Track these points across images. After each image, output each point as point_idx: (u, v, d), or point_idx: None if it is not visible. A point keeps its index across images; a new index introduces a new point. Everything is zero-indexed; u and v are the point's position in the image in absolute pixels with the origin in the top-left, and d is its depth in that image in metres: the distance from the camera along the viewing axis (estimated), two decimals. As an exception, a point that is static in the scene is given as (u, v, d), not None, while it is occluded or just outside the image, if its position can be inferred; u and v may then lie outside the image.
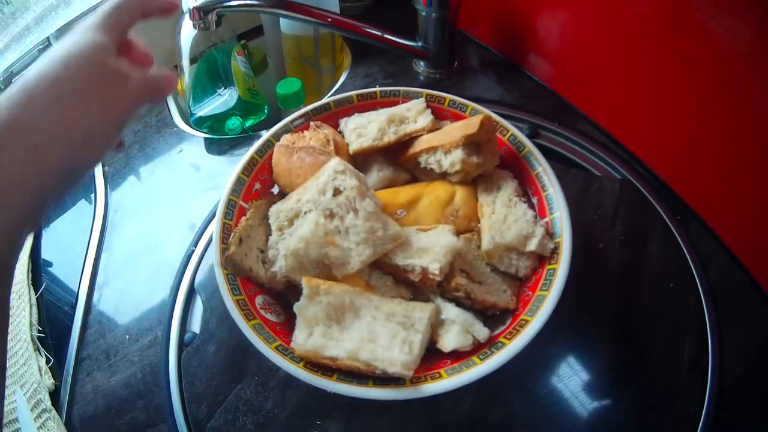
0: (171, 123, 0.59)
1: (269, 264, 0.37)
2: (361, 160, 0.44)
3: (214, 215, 0.50)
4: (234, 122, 0.54)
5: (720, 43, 0.40)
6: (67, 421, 0.42)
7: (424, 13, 0.53)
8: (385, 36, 0.54)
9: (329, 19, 0.52)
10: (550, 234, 0.38)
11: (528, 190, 0.42)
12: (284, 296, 0.39)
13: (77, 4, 0.59)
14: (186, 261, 0.48)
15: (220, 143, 0.56)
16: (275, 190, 0.45)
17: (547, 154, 0.53)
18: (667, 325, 0.43)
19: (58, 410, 0.42)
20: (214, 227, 0.39)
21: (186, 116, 0.60)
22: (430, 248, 0.35)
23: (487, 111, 0.45)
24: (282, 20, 0.58)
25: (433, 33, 0.54)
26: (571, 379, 0.40)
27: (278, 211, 0.38)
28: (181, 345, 0.44)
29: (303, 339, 0.32)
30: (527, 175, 0.42)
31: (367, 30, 0.53)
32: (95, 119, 0.26)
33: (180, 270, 0.47)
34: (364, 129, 0.43)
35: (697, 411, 0.38)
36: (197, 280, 0.47)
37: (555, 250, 0.37)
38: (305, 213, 0.36)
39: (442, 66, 0.58)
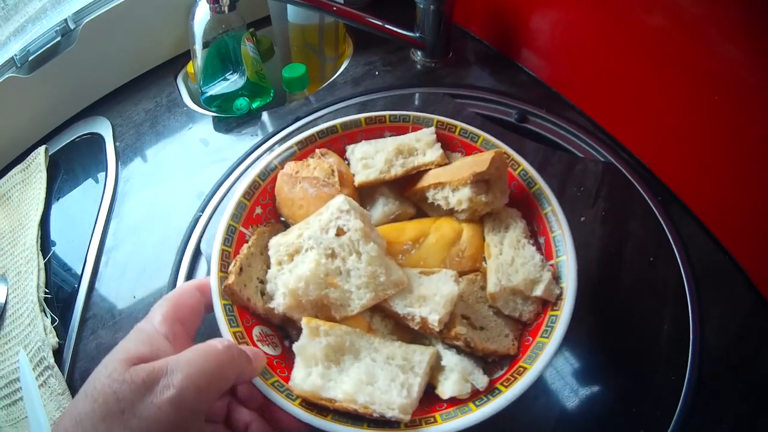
0: (181, 103, 0.62)
1: (267, 297, 0.36)
2: (366, 191, 0.43)
3: (221, 184, 0.54)
4: (242, 102, 0.57)
5: (698, 31, 0.42)
6: (69, 378, 0.43)
7: (422, 6, 0.57)
8: (385, 26, 0.58)
9: (334, 8, 0.56)
10: (555, 278, 0.38)
11: (536, 228, 0.41)
12: (282, 328, 0.38)
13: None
14: (193, 225, 0.50)
15: (227, 121, 0.59)
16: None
17: (535, 137, 0.57)
18: (647, 297, 0.45)
19: (61, 368, 0.44)
20: (214, 252, 0.37)
21: (195, 98, 0.63)
22: (431, 297, 0.34)
23: (500, 144, 0.44)
24: (289, 9, 0.62)
25: (429, 25, 0.58)
26: (558, 352, 0.40)
27: (278, 245, 0.36)
28: (185, 303, 0.46)
29: (301, 379, 0.32)
30: (536, 213, 0.41)
31: (369, 19, 0.57)
32: None
33: (187, 233, 0.50)
34: (371, 159, 0.42)
35: (679, 382, 0.40)
36: (203, 243, 0.49)
37: (559, 296, 0.37)
38: (306, 250, 0.35)
39: (438, 56, 0.62)
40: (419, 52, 0.63)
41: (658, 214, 0.51)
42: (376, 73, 0.62)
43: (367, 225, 0.36)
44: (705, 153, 0.47)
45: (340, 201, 0.36)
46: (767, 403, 0.40)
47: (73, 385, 0.43)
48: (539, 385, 0.39)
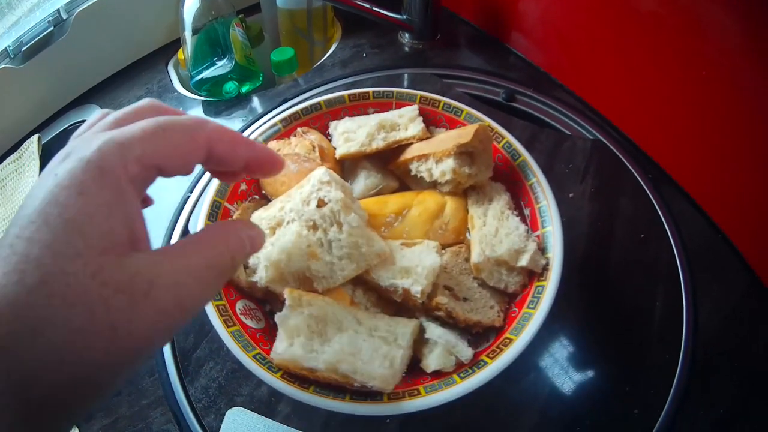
0: (172, 89, 0.62)
1: (250, 271, 0.36)
2: (348, 166, 0.43)
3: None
4: (230, 86, 0.57)
5: (687, 7, 0.42)
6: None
7: (409, -12, 0.57)
8: (373, 8, 0.58)
9: (322, -8, 0.56)
10: (541, 249, 0.37)
11: (521, 201, 0.41)
12: (265, 302, 0.38)
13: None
14: (182, 206, 0.50)
15: (217, 105, 0.59)
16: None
17: (522, 116, 0.57)
18: (638, 275, 0.44)
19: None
20: (198, 227, 0.37)
21: (186, 84, 0.63)
22: (413, 268, 0.34)
23: (484, 117, 0.43)
24: (278, -5, 0.63)
25: (417, 7, 0.58)
26: (546, 328, 0.38)
27: (260, 218, 0.37)
28: (174, 281, 0.45)
29: (283, 349, 0.31)
30: (521, 185, 0.41)
31: (356, 2, 0.57)
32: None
33: (175, 214, 0.50)
34: (353, 133, 0.42)
35: (673, 362, 0.39)
36: (191, 222, 0.49)
37: (546, 266, 0.36)
38: (288, 222, 0.35)
39: (425, 38, 0.62)
40: (407, 35, 0.63)
41: (648, 191, 0.50)
42: (364, 55, 0.62)
43: (348, 196, 0.36)
44: (695, 130, 0.47)
45: (321, 173, 0.36)
46: (762, 383, 0.39)
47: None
48: (528, 361, 0.39)
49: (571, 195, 0.49)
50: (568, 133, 0.55)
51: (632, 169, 0.52)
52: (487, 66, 0.61)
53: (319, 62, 0.62)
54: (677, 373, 0.39)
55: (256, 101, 0.59)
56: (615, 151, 0.53)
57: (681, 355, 0.40)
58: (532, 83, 0.59)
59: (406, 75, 0.59)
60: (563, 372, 0.39)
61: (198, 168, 0.52)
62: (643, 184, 0.51)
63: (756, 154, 0.42)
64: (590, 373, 0.40)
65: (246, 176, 0.27)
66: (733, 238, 0.46)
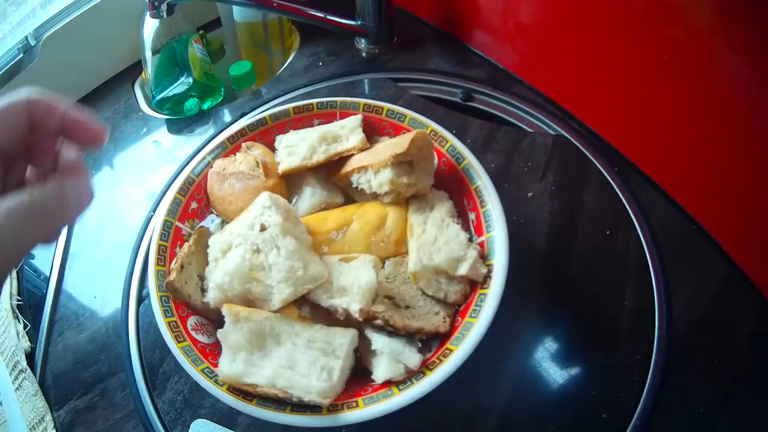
0: (137, 108, 0.64)
1: (206, 293, 0.37)
2: (294, 181, 0.43)
3: (171, 183, 0.54)
4: (191, 103, 0.58)
5: None
6: (41, 379, 0.45)
7: (360, -7, 0.57)
8: (327, 17, 0.58)
9: (275, 4, 0.56)
10: (484, 255, 0.36)
11: (467, 205, 0.40)
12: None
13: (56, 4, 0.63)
14: (146, 225, 0.51)
15: (179, 123, 0.60)
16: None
17: (480, 115, 0.56)
18: (605, 271, 0.43)
19: (33, 370, 0.46)
20: (150, 247, 0.39)
21: (150, 103, 0.64)
22: (350, 287, 0.34)
23: (427, 121, 0.43)
24: (235, 9, 0.63)
25: (370, 11, 0.58)
26: (506, 332, 0.39)
27: (215, 242, 0.38)
28: (140, 299, 0.47)
29: (226, 365, 0.32)
30: (466, 189, 0.40)
31: (309, 12, 0.57)
32: None
33: (140, 233, 0.51)
34: (296, 147, 0.42)
35: (646, 358, 0.38)
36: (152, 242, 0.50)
37: (488, 274, 0.35)
38: (236, 246, 0.36)
39: (382, 42, 0.62)
40: (363, 40, 0.62)
41: (614, 185, 0.49)
42: (321, 63, 0.62)
43: (289, 220, 0.37)
44: (661, 118, 0.45)
45: (264, 198, 0.37)
46: (742, 377, 0.38)
47: (45, 386, 0.44)
48: (485, 366, 0.38)
49: (530, 194, 0.49)
50: (529, 129, 0.54)
51: (596, 163, 0.51)
52: (445, 66, 0.60)
53: (277, 74, 0.62)
54: (650, 371, 0.38)
55: (217, 116, 0.60)
56: (578, 145, 0.52)
57: (654, 352, 0.38)
58: (491, 81, 0.58)
59: (362, 81, 0.59)
60: (524, 379, 0.39)
61: (160, 187, 0.54)
62: (608, 177, 0.49)
63: (724, 138, 0.41)
64: (554, 377, 0.39)
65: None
66: (708, 226, 0.45)
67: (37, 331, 0.48)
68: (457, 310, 0.37)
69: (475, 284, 0.36)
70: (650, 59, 0.43)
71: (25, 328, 0.49)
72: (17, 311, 0.50)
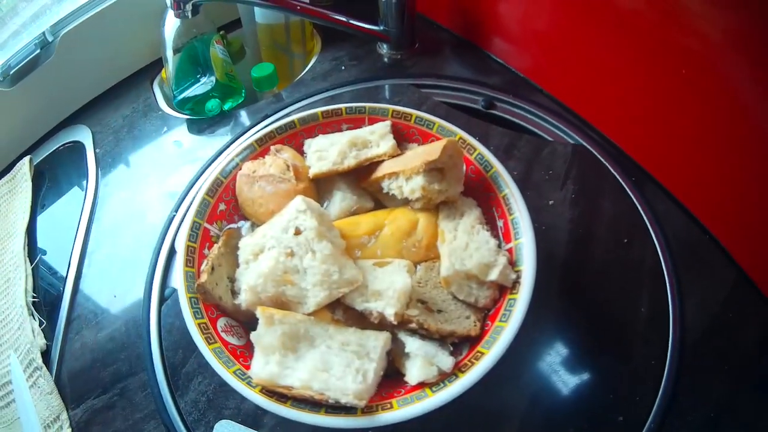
0: (156, 108, 0.63)
1: (236, 295, 0.38)
2: (324, 185, 0.43)
3: (193, 183, 0.55)
4: (213, 104, 0.58)
5: (666, 6, 0.41)
6: (56, 378, 0.45)
7: (384, -1, 0.57)
8: (350, 21, 0.58)
9: (298, 7, 0.56)
10: (513, 261, 0.37)
11: (495, 212, 0.41)
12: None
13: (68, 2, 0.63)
14: (168, 224, 0.51)
15: (200, 123, 0.60)
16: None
17: (502, 123, 0.57)
18: (622, 279, 0.44)
19: (49, 368, 0.45)
20: (179, 247, 0.39)
21: (170, 102, 0.64)
22: (385, 291, 0.34)
23: (456, 129, 0.43)
24: (256, 11, 0.63)
25: (392, 17, 0.59)
26: (527, 336, 0.38)
27: (246, 245, 0.38)
28: (162, 299, 0.47)
29: (259, 367, 0.32)
30: (494, 196, 0.41)
31: (333, 16, 0.57)
32: None
33: (162, 232, 0.51)
34: (325, 152, 0.42)
35: (660, 365, 0.39)
36: (177, 241, 0.49)
37: (517, 280, 0.36)
38: (269, 249, 0.36)
39: (403, 48, 0.62)
40: (385, 45, 0.63)
41: (631, 194, 0.50)
42: (343, 67, 0.62)
43: (324, 224, 0.37)
44: (677, 130, 0.46)
45: (298, 202, 0.37)
46: (752, 381, 0.39)
47: (61, 385, 0.44)
48: (505, 373, 0.37)
49: (551, 202, 0.49)
50: (549, 138, 0.55)
51: (614, 173, 0.52)
52: (466, 73, 0.61)
53: (299, 77, 0.62)
54: (664, 376, 0.39)
55: (238, 117, 0.60)
56: (597, 154, 0.53)
57: (668, 357, 0.40)
58: (511, 89, 0.59)
59: (386, 86, 0.60)
60: (545, 380, 0.40)
61: (184, 186, 0.54)
62: (625, 186, 0.50)
63: (738, 151, 0.42)
64: (572, 381, 0.40)
65: None
66: (719, 236, 0.46)
67: (53, 328, 0.48)
68: (486, 314, 0.38)
69: (503, 289, 0.37)
70: (668, 72, 0.44)
71: (40, 325, 0.48)
72: (32, 308, 0.49)
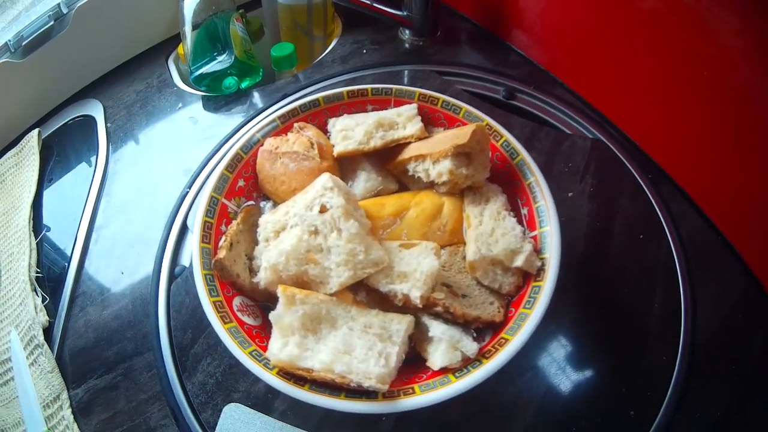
0: (172, 84, 0.62)
1: (254, 273, 0.36)
2: (347, 165, 0.42)
3: (208, 160, 0.53)
4: (230, 81, 0.56)
5: (688, 8, 0.41)
6: (58, 356, 0.43)
7: (409, -16, 0.56)
8: (373, 4, 0.57)
9: (322, -13, 0.55)
10: (537, 249, 0.37)
11: (519, 200, 0.40)
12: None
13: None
14: (180, 201, 0.49)
15: (216, 100, 0.58)
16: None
17: (522, 114, 0.56)
18: (637, 275, 0.44)
19: (51, 346, 0.43)
20: (196, 223, 0.37)
21: (186, 78, 0.62)
22: (411, 273, 0.33)
23: (482, 115, 0.43)
24: (278, -10, 0.62)
25: (417, 3, 0.57)
26: (544, 327, 0.37)
27: (266, 222, 0.37)
28: (171, 277, 0.45)
29: (278, 348, 0.31)
30: (519, 184, 0.40)
31: (357, -2, 0.56)
32: None
33: (174, 209, 0.49)
34: (351, 131, 0.41)
35: (670, 363, 0.39)
36: (189, 218, 0.48)
37: (541, 267, 0.36)
38: (291, 227, 0.35)
39: (425, 35, 0.61)
40: (407, 31, 0.62)
41: (647, 191, 0.49)
42: (364, 51, 0.61)
43: (350, 203, 0.35)
44: (695, 130, 0.46)
45: (325, 179, 0.35)
46: (759, 384, 0.38)
47: (62, 363, 0.42)
48: (524, 361, 0.38)
49: (570, 194, 0.49)
50: (568, 131, 0.54)
51: (632, 169, 0.51)
52: (487, 63, 0.60)
53: (319, 58, 0.61)
54: (674, 373, 0.38)
55: (255, 96, 0.58)
56: (615, 150, 0.53)
57: (679, 355, 0.39)
58: (532, 81, 0.58)
59: (406, 72, 0.58)
60: (559, 372, 0.39)
61: (198, 163, 0.52)
62: (642, 183, 0.50)
63: (755, 155, 0.41)
64: (586, 374, 0.39)
65: None
66: (732, 238, 0.45)
67: (56, 305, 0.46)
68: (509, 301, 0.37)
69: (527, 277, 0.37)
70: (689, 73, 0.44)
71: (43, 301, 0.46)
72: (35, 284, 0.47)
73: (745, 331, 0.41)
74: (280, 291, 0.32)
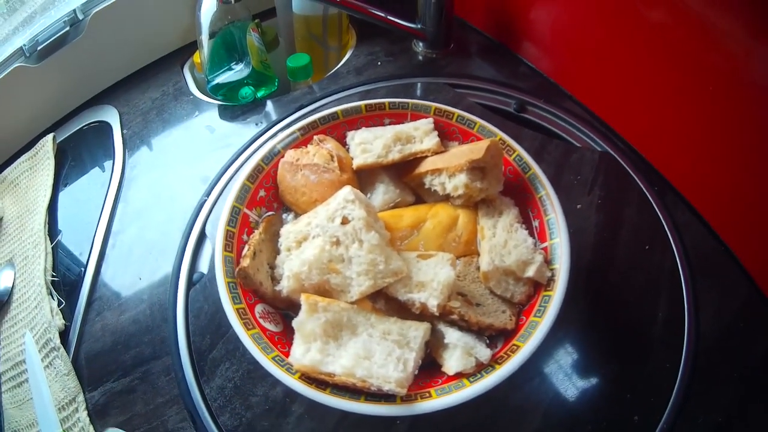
0: (187, 92, 0.63)
1: (275, 282, 0.38)
2: (366, 177, 0.44)
3: (226, 169, 0.54)
4: (247, 91, 0.57)
5: (696, 23, 0.43)
6: (74, 359, 0.44)
7: (423, -2, 0.58)
8: (387, 17, 0.59)
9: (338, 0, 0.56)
10: (547, 260, 0.38)
11: (530, 212, 0.42)
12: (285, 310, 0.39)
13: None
14: (198, 209, 0.50)
15: (233, 109, 0.59)
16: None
17: (533, 127, 0.58)
18: (642, 284, 0.45)
19: (67, 349, 0.44)
20: (218, 232, 0.38)
21: (201, 87, 0.64)
22: (429, 282, 0.35)
23: (496, 130, 0.44)
24: (293, 1, 0.63)
25: (431, 16, 0.59)
26: (551, 335, 0.38)
27: (288, 232, 0.38)
28: (190, 283, 0.46)
29: (301, 354, 0.32)
30: (531, 197, 0.42)
31: (371, 11, 0.57)
32: None
33: (192, 217, 0.50)
34: (369, 144, 0.43)
35: (674, 369, 0.40)
36: (208, 225, 0.49)
37: (551, 278, 0.37)
38: (313, 237, 0.36)
39: (438, 47, 0.63)
40: (420, 43, 0.63)
41: (653, 202, 0.51)
42: (378, 63, 0.62)
43: (371, 215, 0.37)
44: (701, 144, 0.47)
45: (347, 192, 0.37)
46: (761, 391, 0.40)
47: (78, 366, 0.43)
48: (532, 367, 0.39)
49: (579, 206, 0.50)
50: (577, 144, 0.56)
51: (638, 181, 0.53)
52: (498, 76, 0.61)
53: (335, 69, 0.62)
54: (678, 379, 0.40)
55: (271, 107, 0.59)
56: (622, 162, 0.54)
57: (682, 361, 0.40)
58: (542, 94, 0.59)
59: (419, 84, 0.60)
60: (566, 378, 0.40)
61: (216, 171, 0.53)
62: (648, 195, 0.51)
63: (758, 168, 0.43)
64: (592, 380, 0.40)
65: None
66: (734, 248, 0.47)
67: (72, 309, 0.47)
68: (520, 309, 0.38)
69: (537, 287, 0.38)
70: (696, 87, 0.45)
71: (59, 305, 0.47)
72: (51, 287, 0.48)
73: (746, 337, 0.42)
74: (303, 299, 0.33)
